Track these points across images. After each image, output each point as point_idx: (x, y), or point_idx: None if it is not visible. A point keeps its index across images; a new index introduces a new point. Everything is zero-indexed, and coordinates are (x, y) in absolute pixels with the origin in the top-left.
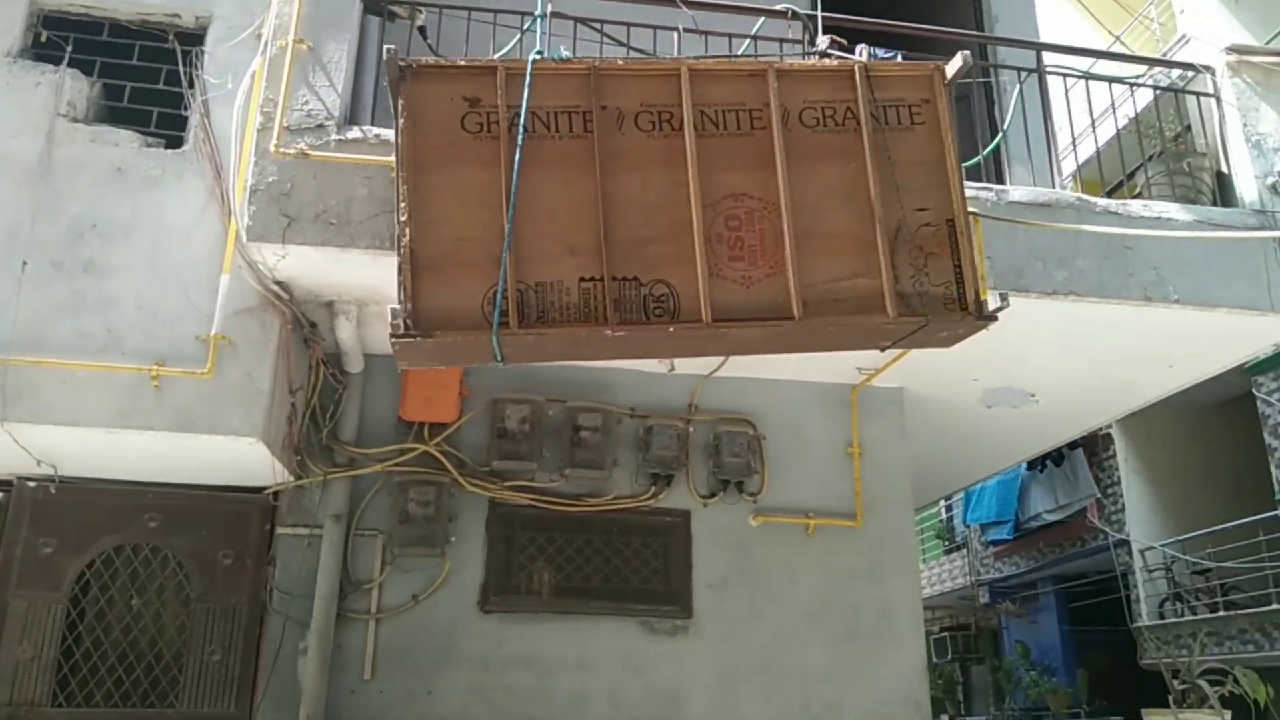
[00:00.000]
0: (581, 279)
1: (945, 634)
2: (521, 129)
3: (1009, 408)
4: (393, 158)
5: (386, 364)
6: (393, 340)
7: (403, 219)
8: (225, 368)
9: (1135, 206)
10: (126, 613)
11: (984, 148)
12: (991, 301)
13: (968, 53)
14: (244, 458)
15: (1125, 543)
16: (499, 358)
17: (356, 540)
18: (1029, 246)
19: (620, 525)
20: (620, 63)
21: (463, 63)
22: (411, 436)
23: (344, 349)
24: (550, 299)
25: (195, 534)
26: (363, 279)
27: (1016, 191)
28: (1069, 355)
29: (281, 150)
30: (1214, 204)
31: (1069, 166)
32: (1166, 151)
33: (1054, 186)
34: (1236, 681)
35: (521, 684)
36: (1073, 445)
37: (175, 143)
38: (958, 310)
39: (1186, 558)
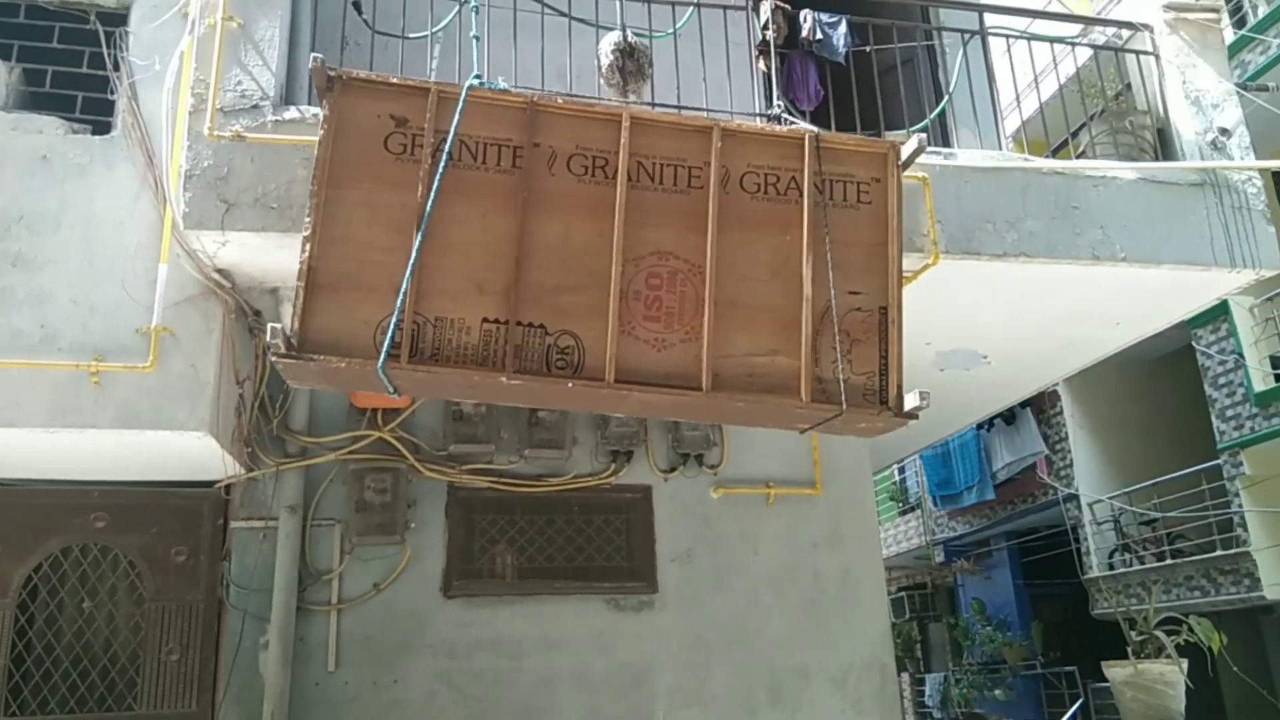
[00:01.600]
0: (485, 320)
1: (902, 594)
2: (446, 155)
3: (961, 370)
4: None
5: None
6: (273, 360)
7: (306, 233)
8: (168, 360)
9: (1080, 166)
10: (78, 616)
11: (929, 111)
12: (910, 400)
13: (923, 136)
14: (192, 452)
15: (1074, 497)
16: (391, 389)
17: (314, 530)
18: (978, 209)
19: (581, 504)
20: (560, 101)
21: (395, 80)
22: (365, 423)
23: None
24: (448, 336)
25: (145, 532)
26: None
27: (964, 155)
28: (1019, 316)
29: (216, 133)
30: (1156, 161)
31: (1011, 124)
32: (1108, 110)
33: (1000, 149)
34: (1191, 630)
35: (489, 667)
36: (1023, 404)
37: (103, 128)
38: (876, 404)
39: (1133, 509)
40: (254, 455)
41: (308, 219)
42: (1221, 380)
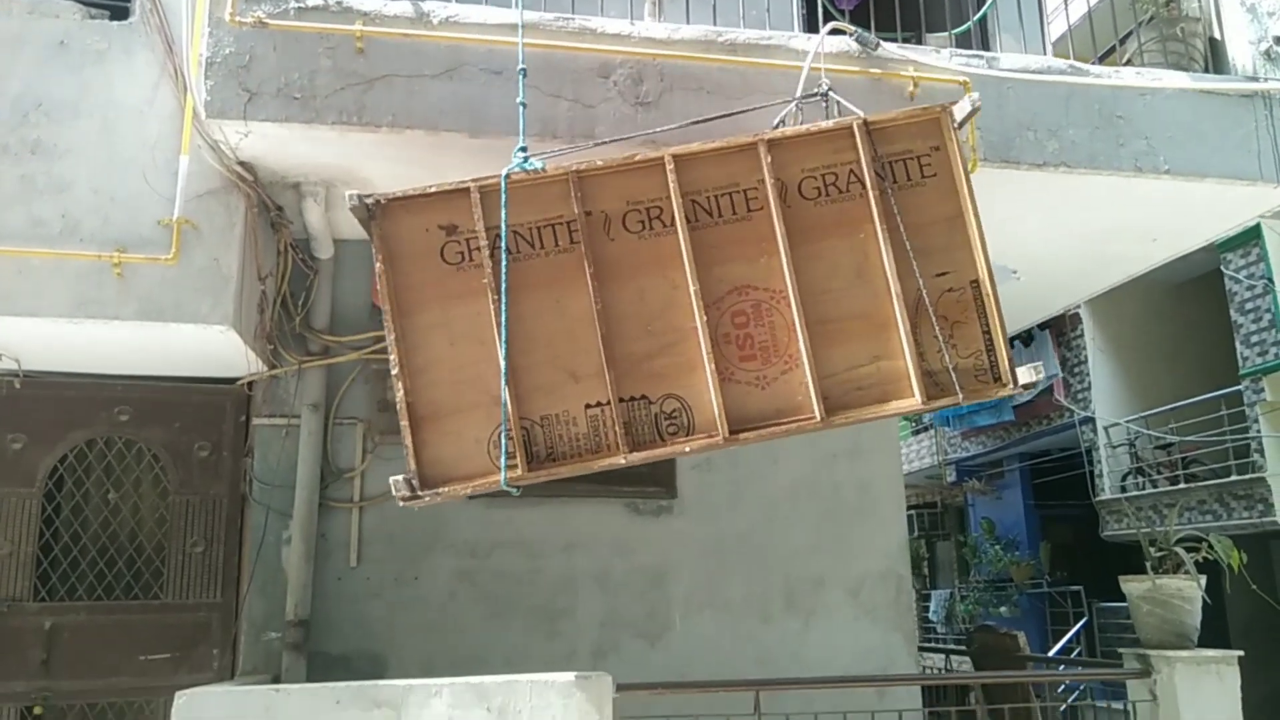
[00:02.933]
0: (588, 405)
1: (912, 511)
2: (504, 253)
3: None
4: (357, 26)
5: (357, 249)
6: (401, 505)
7: (394, 371)
8: (190, 253)
9: (1128, 74)
10: (104, 507)
11: (972, 14)
12: (1025, 375)
13: (976, 95)
14: (215, 347)
15: (1090, 420)
16: (516, 492)
17: (336, 429)
18: (1019, 117)
19: None
20: (600, 162)
21: (433, 189)
22: None
23: (313, 233)
24: (558, 432)
25: (169, 426)
26: (330, 157)
27: (1007, 59)
28: (1054, 229)
29: (238, 19)
30: (1206, 71)
31: (1056, 29)
32: (1158, 17)
33: (1045, 54)
34: (1211, 548)
35: (510, 567)
36: (1041, 325)
37: (121, 14)
38: (990, 383)
39: (1150, 433)
40: (276, 353)
41: (392, 356)
42: (1249, 305)
